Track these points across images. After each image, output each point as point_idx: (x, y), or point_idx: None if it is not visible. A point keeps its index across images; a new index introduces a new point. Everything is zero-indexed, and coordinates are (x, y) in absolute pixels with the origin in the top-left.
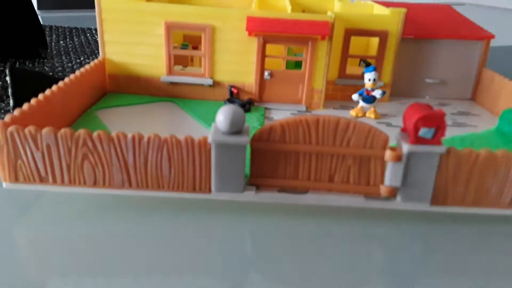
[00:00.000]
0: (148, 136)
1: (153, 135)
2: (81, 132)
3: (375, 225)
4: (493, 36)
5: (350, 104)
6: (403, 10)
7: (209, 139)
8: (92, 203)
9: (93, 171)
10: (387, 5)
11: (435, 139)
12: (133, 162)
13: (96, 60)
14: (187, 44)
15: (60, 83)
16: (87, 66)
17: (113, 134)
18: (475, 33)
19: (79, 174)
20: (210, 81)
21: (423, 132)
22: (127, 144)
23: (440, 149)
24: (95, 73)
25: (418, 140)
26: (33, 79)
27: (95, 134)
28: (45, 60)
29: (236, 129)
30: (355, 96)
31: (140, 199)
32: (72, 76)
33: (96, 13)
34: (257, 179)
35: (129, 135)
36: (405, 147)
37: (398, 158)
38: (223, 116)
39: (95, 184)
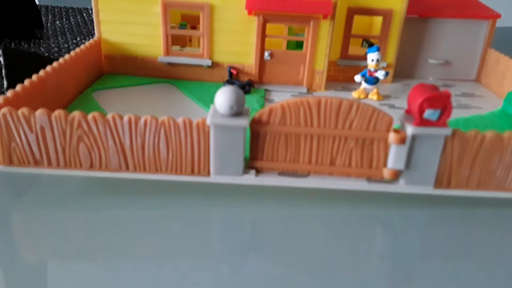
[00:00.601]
0: (145, 118)
1: (150, 117)
2: (76, 114)
3: (377, 208)
4: (499, 16)
5: (352, 85)
6: None
7: (208, 121)
8: (88, 186)
9: (89, 153)
10: None
11: (441, 121)
12: (130, 145)
13: (91, 40)
14: (185, 24)
15: (55, 64)
16: (82, 46)
17: (109, 116)
18: (480, 12)
19: (75, 156)
20: (209, 62)
21: (428, 113)
22: (123, 126)
23: (445, 131)
24: (90, 54)
25: (422, 122)
26: (27, 59)
27: (90, 116)
28: (41, 41)
29: (235, 111)
30: (357, 77)
31: (137, 182)
32: (67, 56)
33: None
34: (257, 162)
35: (125, 117)
36: (410, 129)
37: (402, 141)
38: (222, 97)
39: (91, 167)
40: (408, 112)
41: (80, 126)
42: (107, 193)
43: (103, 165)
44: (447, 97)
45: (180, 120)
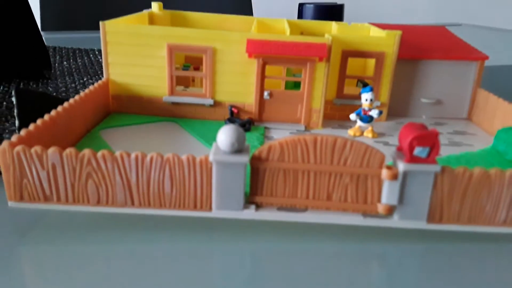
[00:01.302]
0: (151, 155)
1: (155, 154)
2: (86, 152)
3: (373, 243)
4: (487, 57)
5: (348, 123)
6: (399, 32)
7: (210, 158)
8: (95, 221)
9: (96, 189)
10: (383, 27)
11: (430, 158)
12: (136, 181)
13: (100, 81)
14: (188, 65)
15: (65, 104)
16: (91, 87)
17: (117, 153)
18: (469, 54)
19: (83, 192)
20: (211, 101)
21: (418, 151)
22: (130, 163)
23: (435, 167)
24: (98, 94)
25: (413, 159)
26: (37, 100)
27: (99, 154)
28: (49, 81)
29: (236, 148)
30: (352, 116)
31: (142, 218)
32: (76, 97)
33: (101, 36)
34: (256, 198)
35: (133, 155)
36: (401, 166)
37: (394, 177)
38: (224, 135)
39: (98, 202)
40: (400, 149)
41: (90, 164)
42: (112, 228)
43: (110, 201)
44: (435, 135)
45: (184, 157)
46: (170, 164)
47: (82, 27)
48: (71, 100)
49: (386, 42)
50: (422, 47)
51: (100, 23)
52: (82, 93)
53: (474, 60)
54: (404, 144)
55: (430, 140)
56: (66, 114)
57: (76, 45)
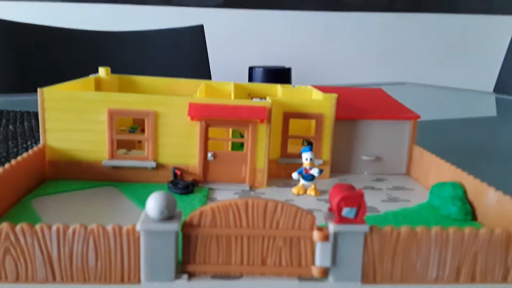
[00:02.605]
0: (74, 227)
1: (78, 226)
2: (3, 226)
3: None
4: (419, 117)
5: (293, 181)
6: (335, 95)
7: (138, 227)
8: None
9: (15, 265)
10: (324, 89)
11: (358, 218)
12: (58, 255)
13: (35, 148)
14: (136, 127)
15: None
16: (24, 154)
17: (37, 226)
18: (402, 113)
19: (0, 269)
20: (153, 164)
21: (346, 211)
22: (51, 236)
23: (363, 228)
24: (33, 161)
25: (342, 220)
26: None
27: (18, 228)
28: None
29: (166, 215)
30: (295, 175)
31: None
32: (6, 165)
33: (38, 102)
34: (189, 266)
35: (54, 227)
36: (331, 227)
37: (325, 238)
38: (153, 202)
39: (17, 279)
40: (331, 210)
41: (8, 238)
42: None
43: (30, 277)
44: (360, 196)
45: (109, 228)
46: (95, 236)
47: (33, 90)
48: (0, 169)
49: (324, 104)
50: (360, 108)
51: (38, 89)
52: (13, 161)
53: (407, 119)
54: (333, 205)
55: (356, 200)
56: None
57: (25, 108)
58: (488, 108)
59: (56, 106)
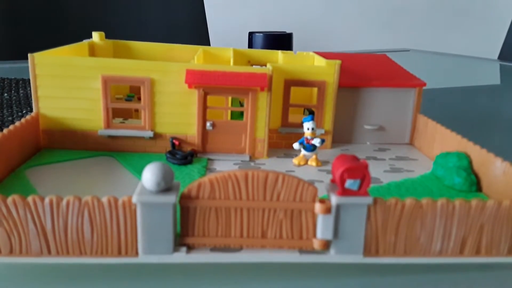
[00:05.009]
0: (67, 198)
1: (72, 197)
2: None
3: (311, 279)
4: (424, 84)
5: (293, 152)
6: (338, 61)
7: (134, 199)
8: (8, 272)
9: (8, 238)
10: (326, 56)
11: (361, 190)
12: (52, 228)
13: (28, 116)
14: (132, 95)
15: None
16: (17, 123)
17: (29, 198)
18: (407, 81)
19: None
20: (150, 134)
21: (349, 183)
22: (44, 209)
23: (367, 200)
24: (26, 129)
25: (345, 192)
26: None
27: (9, 200)
28: None
29: (163, 187)
30: (296, 145)
31: (61, 267)
32: None
33: (30, 69)
34: (188, 239)
35: (46, 199)
36: (334, 199)
37: (327, 210)
38: (149, 173)
39: (11, 252)
40: (334, 181)
41: None
42: (29, 280)
43: (24, 250)
44: (364, 167)
45: (104, 199)
46: (89, 208)
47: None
48: None
49: (327, 71)
50: (364, 75)
51: (29, 55)
52: (5, 130)
53: (413, 87)
54: (336, 177)
55: (360, 172)
56: None
57: (21, 75)
58: (492, 75)
59: (48, 72)
